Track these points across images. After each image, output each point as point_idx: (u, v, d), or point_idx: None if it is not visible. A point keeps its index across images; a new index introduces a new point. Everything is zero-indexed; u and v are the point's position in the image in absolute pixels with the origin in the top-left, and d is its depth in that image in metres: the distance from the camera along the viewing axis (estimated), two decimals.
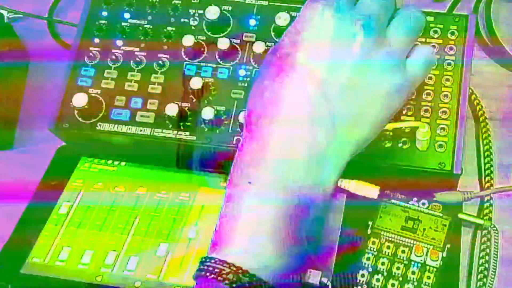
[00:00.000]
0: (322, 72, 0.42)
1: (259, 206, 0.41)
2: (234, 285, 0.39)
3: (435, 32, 0.59)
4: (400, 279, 0.54)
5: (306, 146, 0.42)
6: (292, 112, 0.42)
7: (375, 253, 0.55)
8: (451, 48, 0.58)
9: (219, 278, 0.39)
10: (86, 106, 0.59)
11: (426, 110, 0.57)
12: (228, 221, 0.42)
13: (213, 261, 0.40)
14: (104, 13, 0.63)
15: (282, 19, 0.59)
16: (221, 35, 0.61)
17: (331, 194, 0.44)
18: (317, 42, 0.43)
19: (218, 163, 0.60)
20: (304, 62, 0.43)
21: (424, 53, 0.47)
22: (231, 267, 0.39)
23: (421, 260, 0.55)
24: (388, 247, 0.56)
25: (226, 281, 0.39)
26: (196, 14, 0.62)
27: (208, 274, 0.40)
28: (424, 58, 0.47)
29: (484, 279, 0.55)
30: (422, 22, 0.47)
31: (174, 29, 0.62)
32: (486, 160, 0.60)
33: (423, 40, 0.58)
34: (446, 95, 0.57)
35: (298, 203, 0.41)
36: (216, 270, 0.40)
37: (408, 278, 0.54)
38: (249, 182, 0.42)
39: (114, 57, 0.61)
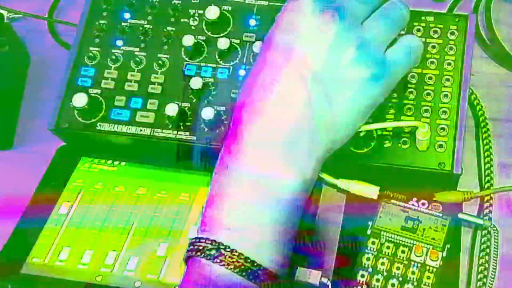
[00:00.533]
0: (294, 59, 0.44)
1: (237, 189, 0.42)
2: (217, 260, 0.40)
3: (435, 32, 0.59)
4: (400, 279, 0.54)
5: (280, 135, 0.43)
6: (268, 98, 0.43)
7: (375, 253, 0.55)
8: (451, 48, 0.58)
9: (202, 255, 0.41)
10: (86, 106, 0.59)
11: (426, 110, 0.57)
12: (211, 203, 0.43)
13: (202, 240, 0.41)
14: (104, 13, 0.63)
15: None
16: (221, 35, 0.61)
17: (310, 182, 0.44)
18: (290, 30, 0.44)
19: None
20: (279, 53, 0.44)
21: (405, 41, 0.47)
22: (213, 243, 0.41)
23: (421, 260, 0.55)
24: (388, 247, 0.55)
25: (209, 257, 0.40)
26: (196, 14, 0.62)
27: (193, 253, 0.41)
28: (404, 46, 0.47)
29: (484, 279, 0.55)
30: (404, 14, 0.47)
31: (174, 29, 0.62)
32: (486, 160, 0.60)
33: (423, 40, 0.58)
34: (446, 95, 0.57)
35: (275, 185, 0.42)
36: (200, 247, 0.41)
37: (408, 278, 0.54)
38: (230, 169, 0.43)
39: (114, 57, 0.61)
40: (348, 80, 0.44)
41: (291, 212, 0.43)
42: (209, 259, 0.40)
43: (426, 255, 0.55)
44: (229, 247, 0.40)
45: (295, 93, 0.43)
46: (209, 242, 0.41)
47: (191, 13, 0.62)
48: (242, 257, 0.40)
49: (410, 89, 0.57)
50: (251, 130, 0.43)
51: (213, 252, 0.40)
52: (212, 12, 0.60)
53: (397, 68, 0.47)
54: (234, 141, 0.44)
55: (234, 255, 0.40)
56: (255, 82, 0.45)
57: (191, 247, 0.42)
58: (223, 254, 0.40)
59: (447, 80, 0.57)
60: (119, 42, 0.62)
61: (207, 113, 0.57)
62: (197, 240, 0.42)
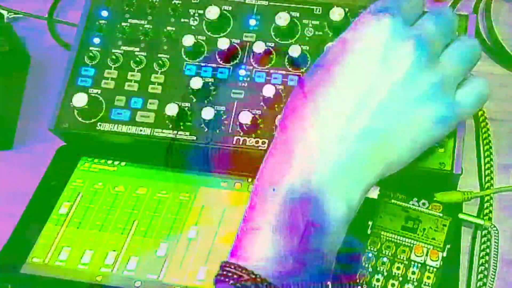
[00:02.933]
0: (364, 83, 0.41)
1: (281, 214, 0.40)
2: None
3: None
4: (400, 279, 0.54)
5: (334, 156, 0.41)
6: (323, 121, 0.41)
7: (375, 253, 0.55)
8: None
9: (237, 285, 0.39)
10: (86, 106, 0.59)
11: None
12: (250, 228, 0.41)
13: (232, 266, 0.40)
14: (104, 13, 0.63)
15: (282, 19, 0.59)
16: (221, 35, 0.61)
17: (355, 211, 0.42)
18: (365, 53, 0.42)
19: (218, 163, 0.60)
20: (348, 72, 0.42)
21: (477, 85, 0.45)
22: (250, 275, 0.39)
23: (421, 260, 0.55)
24: (388, 247, 0.56)
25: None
26: (196, 14, 0.62)
27: (227, 279, 0.39)
28: (476, 90, 0.45)
29: (484, 279, 0.55)
30: (478, 51, 0.45)
31: (174, 29, 0.62)
32: (486, 160, 0.60)
33: None
34: None
35: (322, 214, 0.40)
36: (235, 276, 0.39)
37: (408, 278, 0.54)
38: (273, 190, 0.41)
39: (114, 57, 0.61)
40: (415, 117, 0.42)
41: (333, 246, 0.41)
42: None
43: (426, 255, 0.55)
44: (266, 281, 0.39)
45: (354, 121, 0.41)
46: (246, 272, 0.39)
47: (191, 13, 0.62)
48: None
49: None
50: (300, 150, 0.41)
51: (248, 283, 0.38)
52: (212, 12, 0.60)
53: (464, 112, 0.45)
54: (274, 165, 0.42)
55: None
56: (312, 95, 0.42)
57: (224, 271, 0.40)
58: (259, 286, 0.38)
59: None
60: (119, 42, 0.62)
61: (207, 113, 0.57)
62: (231, 266, 0.40)
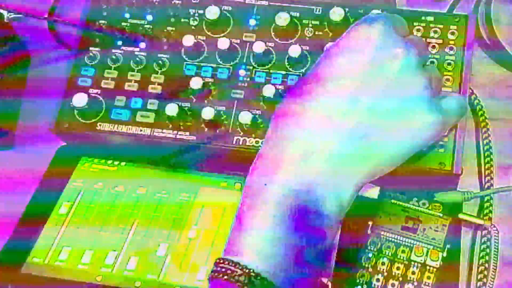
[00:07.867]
0: (356, 82, 0.42)
1: (273, 209, 0.41)
2: None
3: (435, 32, 0.59)
4: (400, 279, 0.54)
5: (325, 153, 0.42)
6: (316, 118, 0.42)
7: (375, 253, 0.55)
8: (451, 48, 0.58)
9: (231, 280, 0.39)
10: (86, 106, 0.59)
11: None
12: (243, 223, 0.41)
13: (226, 262, 0.40)
14: (104, 13, 0.63)
15: (282, 19, 0.59)
16: (221, 35, 0.61)
17: (346, 209, 0.43)
18: (358, 54, 0.43)
19: (218, 163, 0.60)
20: (341, 72, 0.43)
21: (458, 97, 0.48)
22: (243, 270, 0.39)
23: (421, 260, 0.55)
24: (388, 247, 0.56)
25: (238, 284, 0.39)
26: (196, 14, 0.62)
27: (221, 275, 0.40)
28: (458, 101, 0.47)
29: (484, 279, 0.55)
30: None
31: (174, 29, 0.62)
32: (486, 160, 0.60)
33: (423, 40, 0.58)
34: None
35: (314, 210, 0.41)
36: (228, 271, 0.40)
37: (408, 278, 0.54)
38: (265, 184, 0.41)
39: (114, 57, 0.61)
40: (405, 117, 0.43)
41: (326, 242, 0.42)
42: (238, 285, 0.39)
43: (426, 255, 0.55)
44: (260, 276, 0.39)
45: (347, 118, 0.42)
46: (239, 268, 0.39)
47: (191, 13, 0.62)
48: (272, 286, 0.39)
49: None
50: (292, 147, 0.42)
51: (242, 278, 0.39)
52: (212, 12, 0.60)
53: (450, 119, 0.46)
54: (266, 161, 0.42)
55: (264, 284, 0.39)
56: (305, 94, 0.43)
57: (217, 268, 0.40)
58: (253, 281, 0.39)
59: (447, 80, 0.57)
60: (119, 42, 0.62)
61: (207, 113, 0.57)
62: (225, 262, 0.40)
